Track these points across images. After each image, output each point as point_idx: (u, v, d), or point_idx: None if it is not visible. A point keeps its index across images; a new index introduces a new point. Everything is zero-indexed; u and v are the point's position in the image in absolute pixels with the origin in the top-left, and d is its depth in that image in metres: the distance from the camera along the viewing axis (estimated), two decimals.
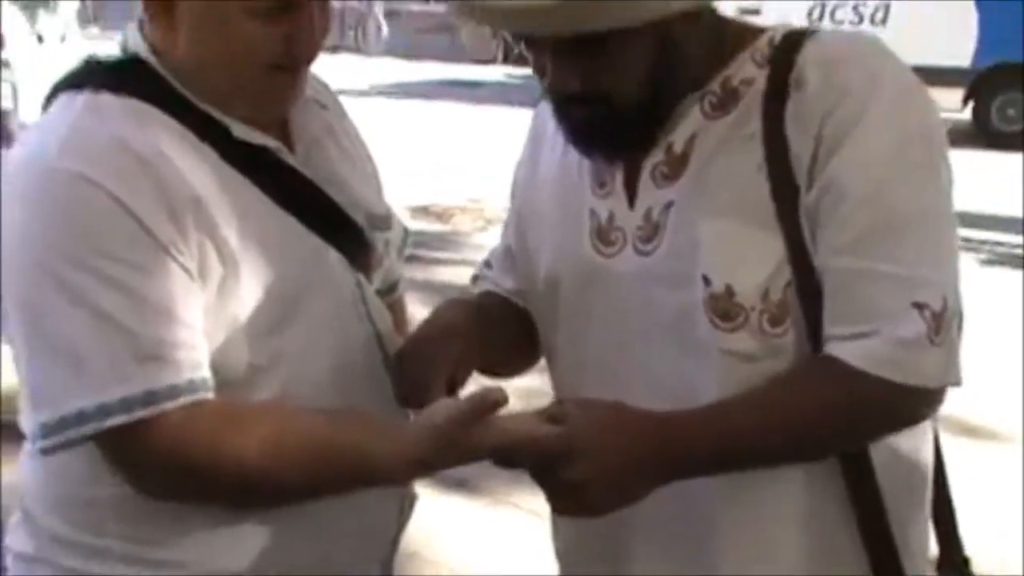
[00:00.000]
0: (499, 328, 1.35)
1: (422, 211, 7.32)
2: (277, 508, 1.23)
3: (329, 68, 1.51)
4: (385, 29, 17.34)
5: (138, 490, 1.18)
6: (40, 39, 6.97)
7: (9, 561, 1.32)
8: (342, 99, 1.47)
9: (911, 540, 1.23)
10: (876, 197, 1.10)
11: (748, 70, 1.19)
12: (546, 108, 1.29)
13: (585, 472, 1.08)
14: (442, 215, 7.35)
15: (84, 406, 1.11)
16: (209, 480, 1.16)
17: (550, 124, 1.28)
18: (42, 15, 7.11)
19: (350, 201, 1.34)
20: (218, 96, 1.22)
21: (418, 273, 5.16)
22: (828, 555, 1.21)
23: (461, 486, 3.39)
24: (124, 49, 1.27)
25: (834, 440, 1.15)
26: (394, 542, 1.44)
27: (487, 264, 1.47)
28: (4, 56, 6.41)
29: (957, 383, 1.12)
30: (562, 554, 1.40)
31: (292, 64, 1.23)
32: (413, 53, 16.75)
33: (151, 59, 1.24)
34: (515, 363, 1.42)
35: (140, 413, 1.12)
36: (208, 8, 1.18)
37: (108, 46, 1.34)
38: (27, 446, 1.23)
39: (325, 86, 1.44)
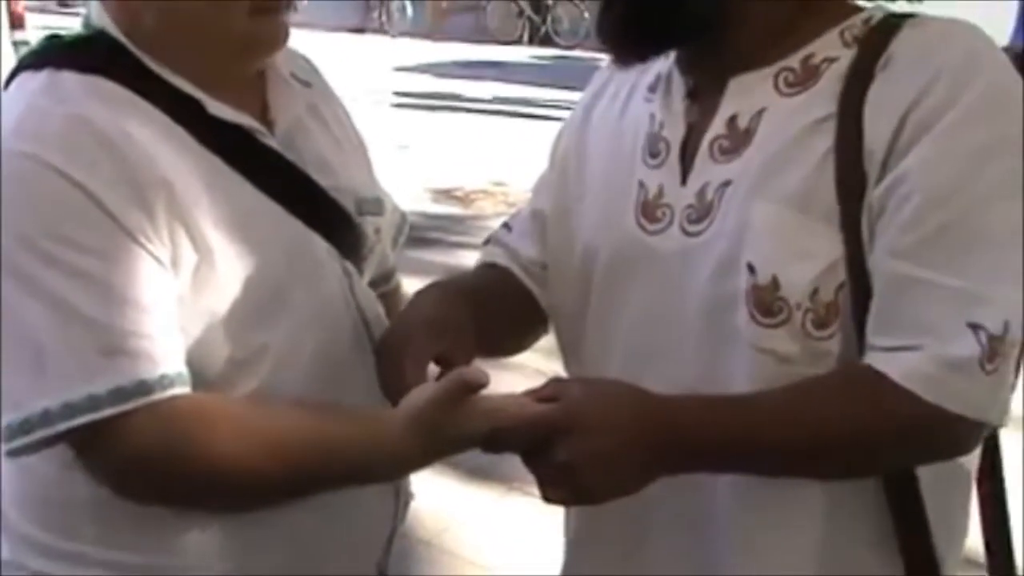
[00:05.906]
0: (496, 308, 1.26)
1: (444, 194, 7.22)
2: (258, 511, 1.16)
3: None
4: (409, 9, 17.27)
5: (111, 491, 1.11)
6: None
7: None
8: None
9: (949, 554, 1.12)
10: (952, 197, 0.99)
11: (834, 48, 1.08)
12: (609, 68, 1.23)
13: (575, 452, 0.99)
14: (464, 199, 7.24)
15: (49, 405, 1.05)
16: (184, 482, 1.09)
17: (611, 84, 1.22)
18: None
19: (336, 185, 1.27)
20: (193, 62, 1.15)
21: (437, 257, 5.09)
22: (850, 565, 1.11)
23: (476, 474, 3.33)
24: (87, 24, 1.19)
25: (857, 458, 1.04)
26: (389, 543, 1.37)
27: (506, 226, 1.37)
28: (24, 37, 6.32)
29: (1000, 423, 1.01)
30: (572, 544, 1.32)
31: (271, 2, 1.15)
32: (437, 33, 16.70)
33: (116, 33, 1.16)
34: (515, 343, 1.35)
35: (108, 411, 1.05)
36: None
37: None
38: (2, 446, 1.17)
39: (308, 62, 1.36)
